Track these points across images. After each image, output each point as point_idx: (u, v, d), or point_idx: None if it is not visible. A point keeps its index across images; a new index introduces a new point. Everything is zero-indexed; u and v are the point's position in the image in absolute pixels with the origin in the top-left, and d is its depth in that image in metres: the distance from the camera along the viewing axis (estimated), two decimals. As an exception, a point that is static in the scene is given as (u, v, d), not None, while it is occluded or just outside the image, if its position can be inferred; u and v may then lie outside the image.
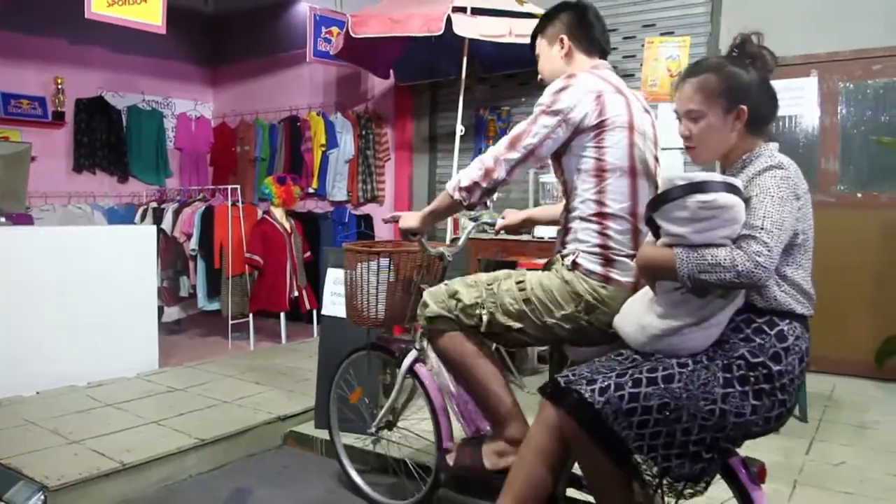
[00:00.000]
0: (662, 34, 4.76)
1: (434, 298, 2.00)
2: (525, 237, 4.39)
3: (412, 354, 2.40)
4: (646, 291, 1.69)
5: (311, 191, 6.06)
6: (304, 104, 6.27)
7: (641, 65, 4.81)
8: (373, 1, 4.76)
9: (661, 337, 1.60)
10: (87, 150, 6.11)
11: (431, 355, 2.23)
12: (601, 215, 1.85)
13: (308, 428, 3.34)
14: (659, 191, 1.54)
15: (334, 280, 3.23)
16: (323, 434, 3.16)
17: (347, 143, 5.95)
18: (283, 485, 2.92)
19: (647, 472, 1.65)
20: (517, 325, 1.90)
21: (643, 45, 4.79)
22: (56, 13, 3.80)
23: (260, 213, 5.39)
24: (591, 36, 2.02)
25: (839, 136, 4.26)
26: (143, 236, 4.33)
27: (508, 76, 5.39)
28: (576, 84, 1.85)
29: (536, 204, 4.38)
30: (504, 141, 1.88)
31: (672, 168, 4.75)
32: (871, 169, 4.15)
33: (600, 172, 1.84)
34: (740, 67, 1.62)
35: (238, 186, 5.37)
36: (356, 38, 4.31)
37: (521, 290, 1.90)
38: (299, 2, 5.46)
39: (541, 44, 2.11)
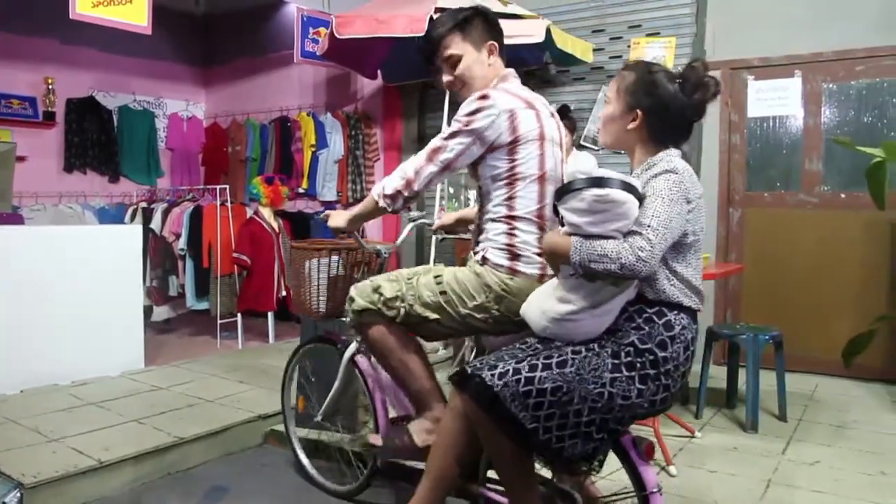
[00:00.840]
0: (648, 35, 4.78)
1: (360, 293, 2.13)
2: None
3: (353, 346, 2.53)
4: (551, 282, 1.81)
5: (301, 191, 6.08)
6: (295, 105, 6.29)
7: (627, 65, 4.83)
8: (361, 1, 4.78)
9: (558, 321, 1.72)
10: (77, 150, 6.13)
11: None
12: (510, 217, 2.00)
13: (288, 427, 3.35)
14: (564, 182, 1.67)
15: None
16: (303, 433, 3.17)
17: (337, 143, 5.97)
18: (259, 483, 2.93)
19: (545, 451, 1.74)
20: (434, 315, 2.04)
21: (629, 46, 4.81)
22: (47, 13, 3.82)
23: (249, 213, 5.41)
24: (501, 43, 2.13)
25: (822, 136, 4.28)
26: (129, 236, 4.34)
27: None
28: (490, 105, 1.96)
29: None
30: (423, 154, 2.02)
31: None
32: (854, 169, 4.16)
33: (512, 181, 2.00)
34: (664, 81, 1.72)
35: (227, 186, 5.39)
36: (341, 39, 4.32)
37: (438, 283, 2.05)
38: (290, 3, 5.48)
39: (464, 46, 2.10)
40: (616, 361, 1.67)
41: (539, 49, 4.81)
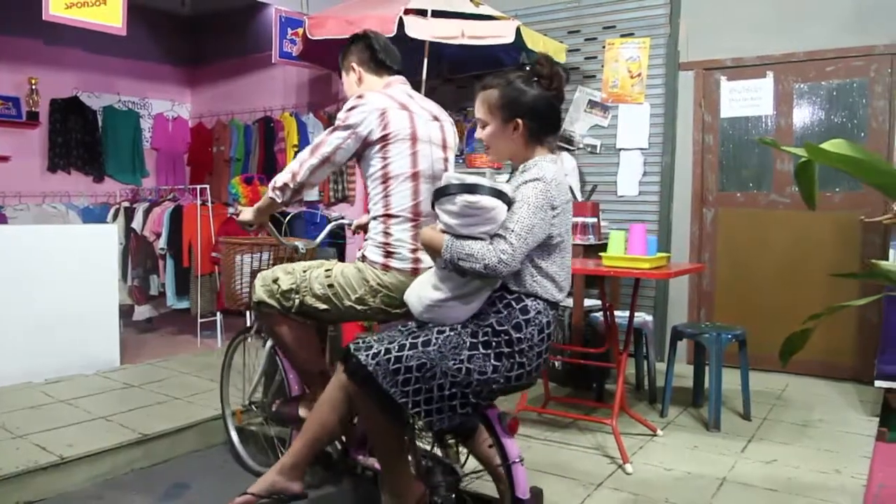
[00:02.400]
0: (623, 36, 4.80)
1: (261, 283, 2.31)
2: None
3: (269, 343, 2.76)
4: (431, 271, 1.96)
5: (283, 191, 6.10)
6: (278, 105, 6.32)
7: (603, 66, 4.85)
8: (336, 2, 4.81)
9: (432, 307, 1.88)
10: (61, 150, 6.16)
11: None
12: (386, 216, 2.19)
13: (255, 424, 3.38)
14: (440, 185, 1.81)
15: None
16: (267, 431, 3.20)
17: (319, 143, 5.99)
18: (220, 480, 2.96)
19: (417, 424, 1.96)
20: (323, 306, 2.22)
21: (604, 47, 4.83)
22: (30, 13, 3.84)
23: (230, 212, 5.44)
24: (376, 59, 2.36)
25: (794, 136, 4.29)
26: (105, 235, 4.37)
27: (474, 77, 5.41)
28: (363, 103, 2.18)
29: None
30: (308, 148, 2.23)
31: (632, 166, 4.80)
32: (824, 170, 4.16)
33: (385, 179, 2.18)
34: (524, 86, 1.85)
35: (207, 186, 5.42)
36: (316, 40, 4.35)
37: (328, 276, 2.23)
38: (270, 4, 5.51)
39: (345, 65, 2.43)
40: (474, 340, 1.84)
41: (516, 50, 4.83)
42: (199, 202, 5.22)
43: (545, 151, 1.90)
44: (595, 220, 3.98)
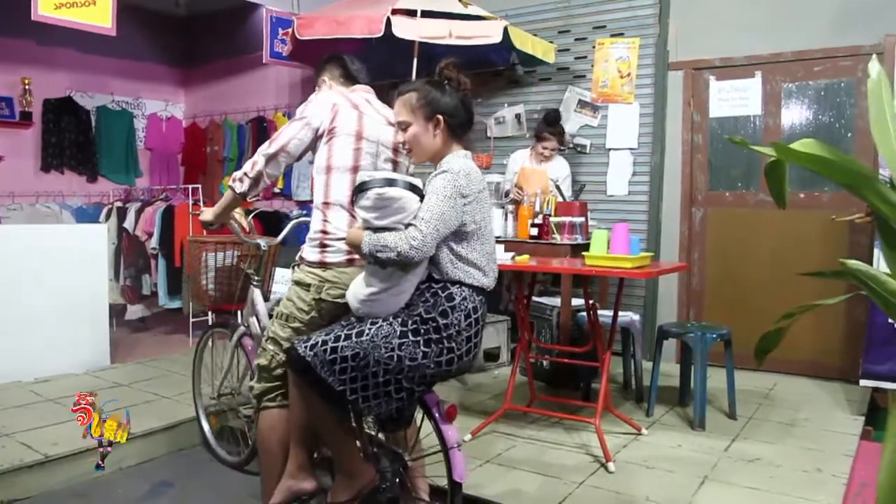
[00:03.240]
0: (613, 36, 4.81)
1: (256, 381, 2.37)
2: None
3: (240, 330, 2.89)
4: (364, 271, 2.07)
5: (276, 191, 6.12)
6: (271, 105, 6.33)
7: (593, 66, 4.86)
8: (327, 3, 4.82)
9: (364, 301, 2.00)
10: (55, 150, 6.18)
11: (255, 331, 2.78)
12: (325, 204, 2.27)
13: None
14: (358, 182, 1.93)
15: (281, 278, 3.67)
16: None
17: (311, 143, 6.00)
18: (204, 479, 2.98)
19: (359, 412, 2.05)
20: (296, 334, 2.24)
21: (594, 47, 4.84)
22: (23, 13, 3.84)
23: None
24: (348, 74, 2.48)
25: (783, 136, 4.30)
26: (96, 235, 4.39)
27: (466, 76, 5.43)
28: (318, 98, 2.35)
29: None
30: (268, 141, 2.32)
31: (622, 165, 4.81)
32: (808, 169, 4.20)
33: (328, 171, 2.27)
34: (436, 87, 2.03)
35: (199, 186, 5.43)
36: (306, 40, 4.36)
37: (280, 315, 2.31)
38: (261, 5, 5.51)
39: (316, 90, 2.54)
40: (404, 329, 1.95)
41: (506, 50, 4.85)
42: (190, 202, 5.23)
43: (460, 148, 2.05)
44: (583, 219, 3.98)
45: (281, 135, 2.29)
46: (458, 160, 1.98)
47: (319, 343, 1.98)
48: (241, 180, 2.31)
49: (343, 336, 1.98)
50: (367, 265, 1.99)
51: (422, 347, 1.94)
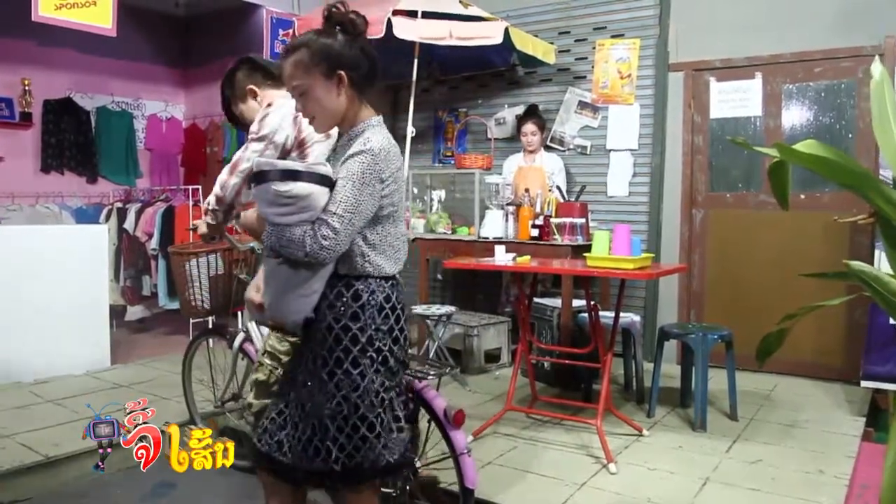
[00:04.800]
0: (613, 36, 4.81)
1: (254, 398, 2.32)
2: (471, 237, 4.44)
3: (241, 336, 2.80)
4: (261, 270, 1.87)
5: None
6: (272, 105, 6.31)
7: (593, 67, 4.86)
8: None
9: (272, 304, 1.76)
10: (54, 151, 6.17)
11: (255, 336, 2.70)
12: None
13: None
14: (255, 170, 1.66)
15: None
16: (244, 427, 3.25)
17: (312, 144, 6.00)
18: (206, 479, 2.95)
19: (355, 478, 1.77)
20: (295, 346, 2.05)
21: (594, 48, 4.84)
22: (23, 14, 3.84)
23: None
24: (267, 73, 2.32)
25: (783, 137, 4.30)
26: (96, 236, 4.39)
27: (467, 78, 5.45)
28: (274, 109, 2.12)
29: (482, 204, 4.42)
30: (227, 168, 2.17)
31: (622, 166, 4.81)
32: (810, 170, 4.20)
33: None
34: (329, 37, 1.68)
35: (199, 187, 5.43)
36: (306, 41, 4.35)
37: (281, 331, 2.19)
38: (261, 6, 5.51)
39: (238, 105, 2.39)
40: (326, 362, 1.70)
41: (507, 51, 4.85)
42: (191, 202, 5.23)
43: (371, 112, 1.75)
44: (583, 220, 3.99)
45: (242, 160, 2.11)
46: (377, 134, 1.68)
47: (266, 429, 1.80)
48: (214, 213, 2.20)
49: (282, 407, 1.77)
50: (267, 259, 1.75)
51: (353, 370, 1.69)
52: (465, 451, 1.96)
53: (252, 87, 2.31)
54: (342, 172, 1.64)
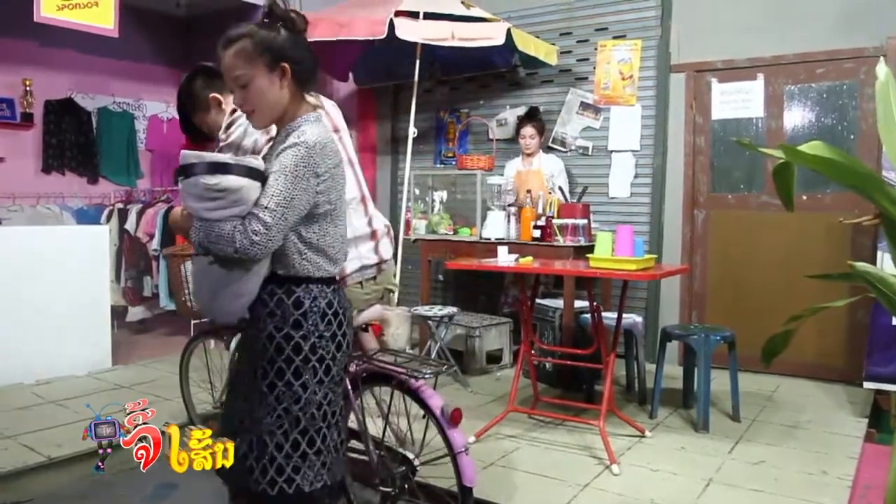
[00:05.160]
0: (615, 38, 4.81)
1: None
2: (472, 238, 4.44)
3: (238, 337, 2.74)
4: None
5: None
6: (273, 106, 6.31)
7: (595, 68, 4.87)
8: (331, 4, 4.81)
9: (205, 304, 1.73)
10: (55, 152, 6.16)
11: None
12: None
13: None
14: (180, 163, 1.59)
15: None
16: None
17: (313, 144, 5.99)
18: (208, 480, 2.94)
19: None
20: None
21: (596, 49, 4.84)
22: (25, 15, 3.84)
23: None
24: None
25: (785, 138, 4.30)
26: (96, 236, 4.38)
27: (468, 79, 5.45)
28: (239, 116, 2.03)
29: (484, 205, 4.43)
30: None
31: (624, 167, 4.81)
32: (814, 172, 4.20)
33: None
34: (271, 30, 1.66)
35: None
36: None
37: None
38: (263, 6, 5.52)
39: (200, 117, 2.33)
40: (266, 379, 1.65)
41: (508, 52, 4.85)
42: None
43: (310, 108, 1.70)
44: (585, 221, 3.99)
45: None
46: (312, 127, 1.63)
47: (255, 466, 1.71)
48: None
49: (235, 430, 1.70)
50: (195, 258, 1.70)
51: (295, 381, 1.63)
52: (463, 449, 1.96)
53: (215, 95, 2.24)
54: (275, 166, 1.57)
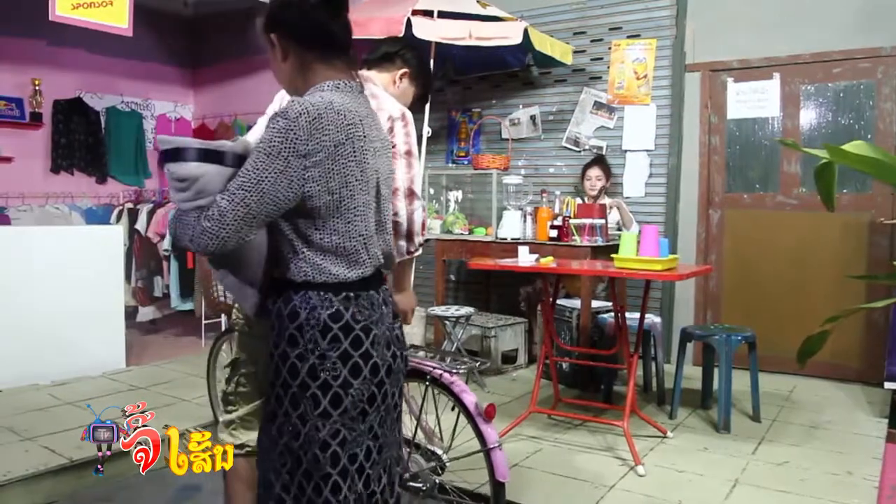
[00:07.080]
0: (629, 37, 4.80)
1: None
2: (488, 238, 4.42)
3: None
4: None
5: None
6: (282, 106, 6.29)
7: (609, 67, 4.86)
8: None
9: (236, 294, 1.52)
10: (64, 151, 6.14)
11: None
12: None
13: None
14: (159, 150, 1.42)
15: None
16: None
17: (323, 144, 5.98)
18: (231, 482, 2.95)
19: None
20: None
21: (610, 48, 4.83)
22: (34, 14, 3.83)
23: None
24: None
25: (801, 138, 4.29)
26: (110, 237, 4.36)
27: (481, 78, 5.43)
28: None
29: (500, 205, 4.41)
30: None
31: (638, 167, 4.80)
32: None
33: None
34: (271, 6, 1.48)
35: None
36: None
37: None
38: (275, 4, 5.52)
39: None
40: (268, 405, 1.42)
41: (522, 51, 4.84)
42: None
43: (330, 76, 1.43)
44: (603, 221, 3.98)
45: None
46: (311, 97, 1.36)
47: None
48: None
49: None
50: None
51: (292, 412, 1.35)
52: (497, 444, 1.96)
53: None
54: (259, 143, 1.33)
